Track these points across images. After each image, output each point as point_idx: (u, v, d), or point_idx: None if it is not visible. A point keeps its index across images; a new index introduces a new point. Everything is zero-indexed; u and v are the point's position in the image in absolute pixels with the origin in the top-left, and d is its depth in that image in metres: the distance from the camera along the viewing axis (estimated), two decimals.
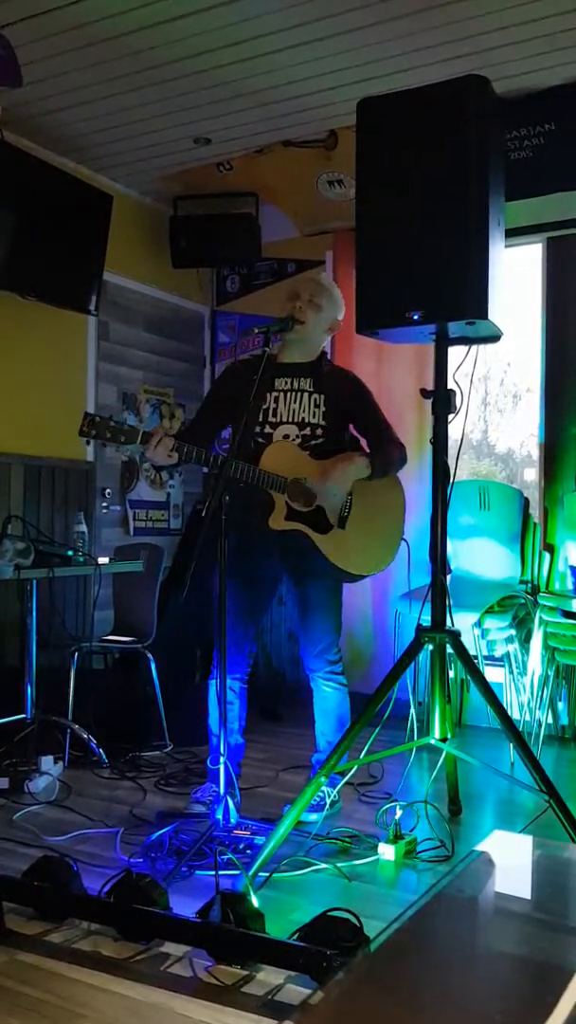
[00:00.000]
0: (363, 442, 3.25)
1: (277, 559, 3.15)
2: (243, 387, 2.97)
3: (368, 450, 3.18)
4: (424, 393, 2.74)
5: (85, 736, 3.71)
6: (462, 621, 3.87)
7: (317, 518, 3.06)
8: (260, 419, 3.12)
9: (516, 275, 4.45)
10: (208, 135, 4.43)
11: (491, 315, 2.48)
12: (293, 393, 3.15)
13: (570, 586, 4.22)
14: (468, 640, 3.67)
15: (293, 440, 3.10)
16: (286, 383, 3.16)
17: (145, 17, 3.41)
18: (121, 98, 4.04)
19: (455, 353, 2.73)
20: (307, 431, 3.11)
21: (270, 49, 3.63)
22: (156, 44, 3.59)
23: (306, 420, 3.12)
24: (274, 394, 3.14)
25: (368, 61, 3.70)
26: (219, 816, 2.72)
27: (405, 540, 3.26)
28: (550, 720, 4.21)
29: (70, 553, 3.67)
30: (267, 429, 3.11)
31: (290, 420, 3.12)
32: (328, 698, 3.24)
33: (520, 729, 3.08)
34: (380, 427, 3.22)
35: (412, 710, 4.20)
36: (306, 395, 3.14)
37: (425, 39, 3.53)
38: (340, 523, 3.09)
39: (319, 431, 3.11)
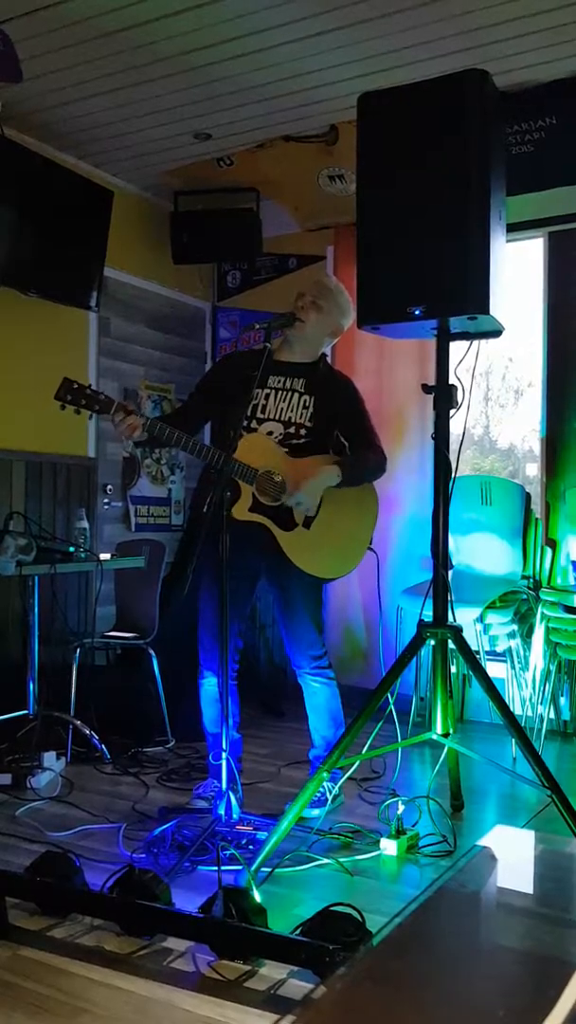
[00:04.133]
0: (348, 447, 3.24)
1: (250, 553, 3.09)
2: (236, 379, 2.99)
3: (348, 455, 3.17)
4: (426, 388, 2.74)
5: (87, 732, 3.72)
6: (464, 616, 3.87)
7: (283, 515, 3.05)
8: (249, 413, 3.11)
9: (517, 270, 4.45)
10: (209, 130, 4.43)
11: (492, 310, 2.47)
12: (284, 392, 3.14)
13: (572, 581, 4.22)
14: (470, 635, 3.68)
15: (276, 437, 3.09)
16: (279, 381, 3.15)
17: (145, 12, 3.40)
18: (121, 93, 4.03)
19: (457, 348, 2.73)
20: (291, 430, 3.11)
21: (270, 44, 3.62)
22: (156, 39, 3.58)
23: (292, 419, 3.12)
24: (265, 391, 3.14)
25: (368, 55, 3.69)
26: (221, 812, 2.72)
27: (372, 550, 3.21)
28: (552, 715, 4.22)
29: (72, 549, 3.67)
30: (253, 424, 3.11)
31: (276, 418, 3.12)
32: (317, 693, 3.23)
33: (522, 724, 3.08)
34: (363, 434, 3.20)
35: (414, 705, 4.21)
36: (296, 395, 3.14)
37: (426, 33, 3.52)
38: (305, 523, 3.08)
39: (303, 431, 3.11)
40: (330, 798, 3.07)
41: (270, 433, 3.10)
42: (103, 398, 2.85)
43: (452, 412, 2.71)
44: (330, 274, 3.47)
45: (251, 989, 2.00)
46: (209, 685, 3.18)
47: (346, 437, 3.22)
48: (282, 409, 3.13)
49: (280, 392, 3.14)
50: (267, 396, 3.14)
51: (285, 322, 3.06)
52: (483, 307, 2.45)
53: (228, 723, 2.82)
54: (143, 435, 2.88)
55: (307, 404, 3.13)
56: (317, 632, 3.21)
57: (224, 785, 2.74)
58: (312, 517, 3.09)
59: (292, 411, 3.12)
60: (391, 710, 2.95)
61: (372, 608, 4.80)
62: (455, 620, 2.76)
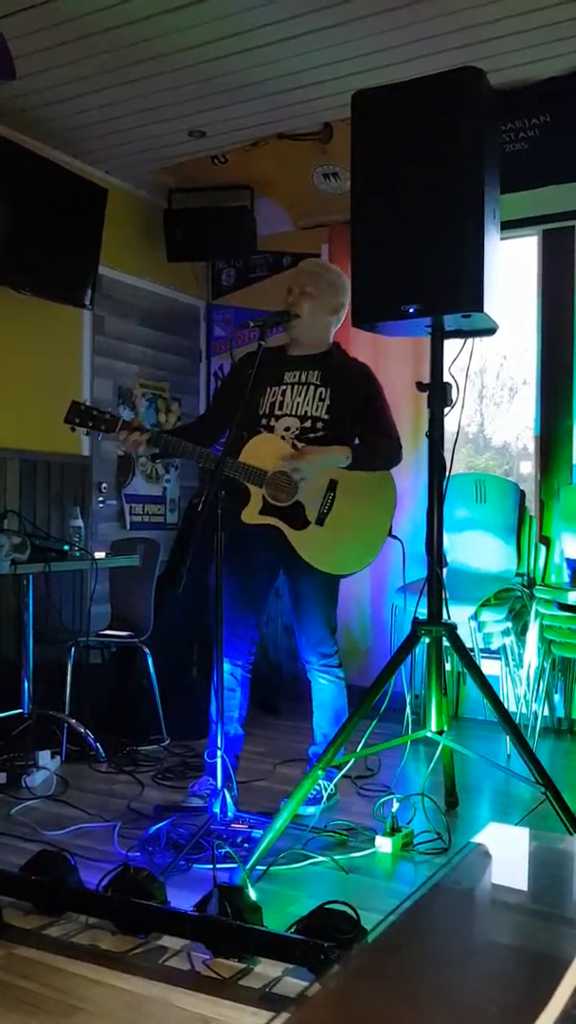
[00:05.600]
0: None
1: (268, 551, 3.12)
2: (255, 377, 2.97)
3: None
4: (420, 386, 2.74)
5: (82, 730, 3.71)
6: (458, 614, 3.87)
7: (295, 513, 3.04)
8: (266, 411, 3.11)
9: (511, 268, 4.46)
10: (203, 128, 4.42)
11: (487, 308, 2.48)
12: (300, 386, 3.13)
13: (566, 579, 4.23)
14: (464, 633, 3.69)
15: (293, 432, 3.08)
16: (294, 376, 3.15)
17: (139, 9, 3.40)
18: (115, 91, 4.03)
19: (451, 346, 2.73)
20: (307, 424, 3.09)
21: (265, 41, 3.61)
22: (150, 36, 3.58)
23: (308, 413, 3.10)
24: (282, 387, 3.13)
25: (362, 53, 3.69)
26: (216, 810, 2.73)
27: (398, 538, 3.19)
28: (546, 712, 4.22)
29: (66, 548, 3.67)
30: (271, 422, 3.10)
31: (293, 413, 3.11)
32: (324, 690, 3.24)
33: (516, 721, 3.08)
34: (376, 421, 3.17)
35: (408, 703, 4.21)
36: (312, 388, 3.12)
37: (420, 31, 3.52)
38: (319, 520, 3.06)
39: (319, 424, 3.09)
40: (325, 796, 3.07)
41: (287, 428, 3.08)
42: (108, 417, 2.96)
43: (446, 410, 2.72)
44: (314, 264, 3.44)
45: (246, 987, 2.00)
46: (225, 674, 3.15)
47: (361, 424, 3.18)
48: (298, 403, 3.11)
49: (296, 387, 3.13)
50: (283, 392, 3.13)
51: (280, 319, 3.06)
52: (477, 305, 2.46)
53: (223, 719, 2.82)
54: (152, 448, 2.96)
55: (323, 396, 3.11)
56: (328, 629, 3.21)
57: (219, 783, 2.74)
58: (325, 513, 3.06)
59: (308, 405, 3.11)
60: (386, 708, 2.95)
61: (368, 605, 4.81)
62: (450, 618, 2.76)
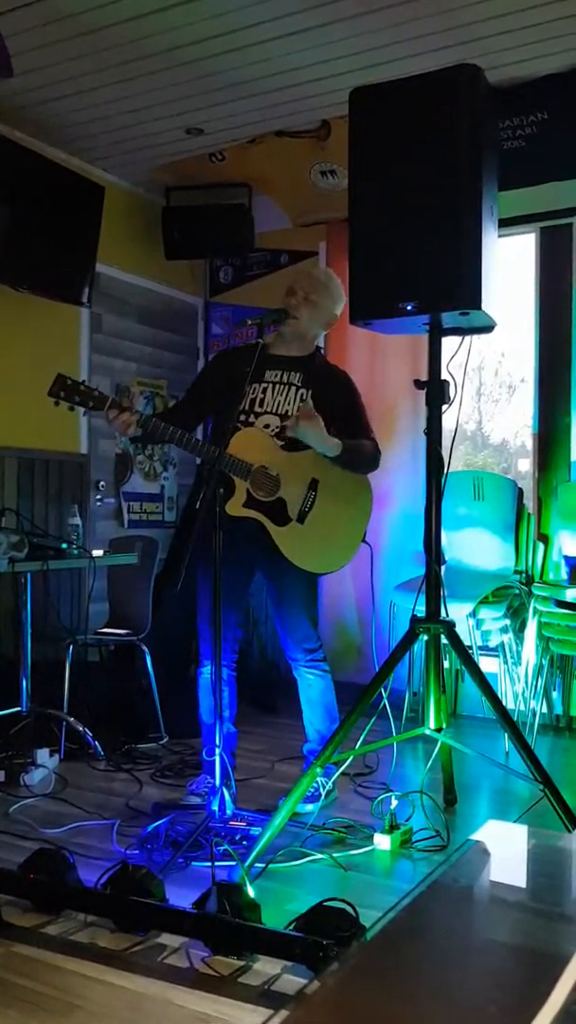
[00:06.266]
0: None
1: (245, 547, 3.10)
2: (230, 376, 2.99)
3: None
4: (418, 384, 2.74)
5: (81, 728, 3.71)
6: (457, 611, 3.87)
7: (277, 509, 3.05)
8: (246, 407, 3.11)
9: (509, 265, 4.45)
10: (200, 125, 4.41)
11: (484, 305, 2.47)
12: (281, 386, 3.14)
13: (564, 576, 4.24)
14: (463, 630, 3.68)
15: (272, 430, 3.09)
16: (276, 375, 3.15)
17: (137, 7, 3.39)
18: (113, 88, 4.02)
19: (449, 344, 2.73)
20: (288, 423, 3.09)
21: (262, 38, 3.61)
22: (148, 34, 3.57)
23: (289, 413, 3.10)
24: (263, 385, 3.14)
25: (360, 50, 3.68)
26: (215, 807, 2.73)
27: (367, 543, 3.21)
28: (544, 709, 4.23)
29: (64, 546, 3.66)
30: (251, 419, 3.11)
31: (273, 411, 3.11)
32: (312, 686, 3.23)
33: (515, 719, 3.09)
34: (358, 425, 3.19)
35: (407, 700, 4.21)
36: (293, 389, 3.14)
37: (417, 28, 3.51)
38: (299, 518, 3.07)
39: None
40: (323, 793, 3.07)
41: (266, 426, 3.09)
42: (97, 394, 2.87)
43: (444, 408, 2.71)
44: (319, 264, 3.47)
45: (245, 984, 2.00)
46: (208, 674, 3.16)
47: (341, 431, 3.20)
48: (279, 402, 3.12)
49: (277, 386, 3.14)
50: (264, 390, 3.13)
51: (277, 317, 3.06)
52: (475, 302, 2.46)
53: (222, 718, 2.82)
54: (137, 431, 2.90)
55: (304, 397, 3.12)
56: (311, 625, 3.22)
57: (218, 781, 2.74)
58: (307, 512, 3.08)
59: (289, 404, 3.12)
60: (384, 705, 2.95)
61: (365, 604, 4.81)
62: (448, 615, 2.76)
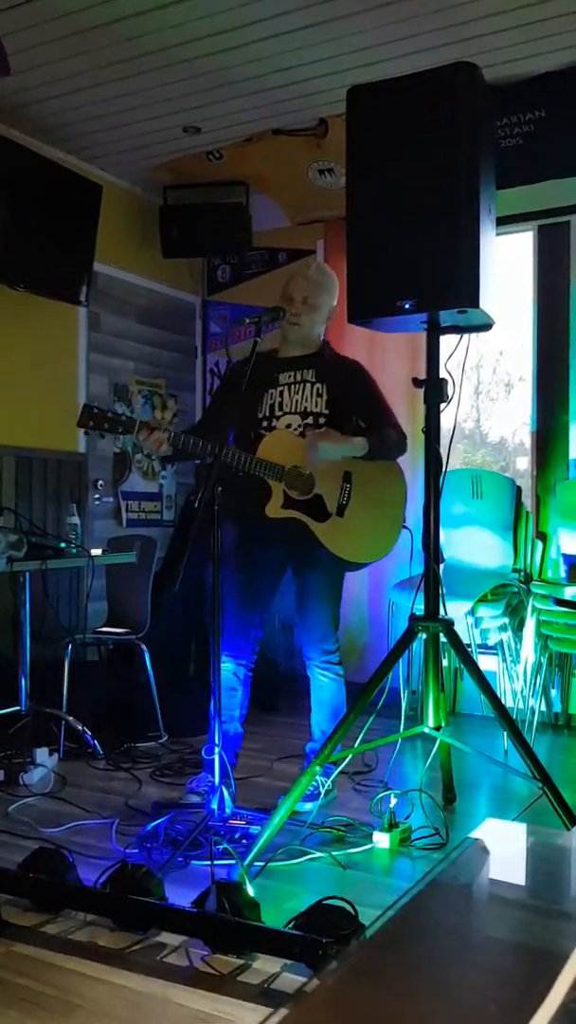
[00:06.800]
0: None
1: (279, 547, 3.17)
2: (249, 382, 3.03)
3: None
4: (416, 382, 2.74)
5: (80, 727, 3.72)
6: (455, 610, 3.87)
7: (315, 506, 3.08)
8: (266, 413, 3.16)
9: (507, 263, 4.45)
10: (198, 124, 4.41)
11: (483, 303, 2.47)
12: (296, 385, 3.18)
13: (563, 574, 4.24)
14: (461, 629, 3.68)
15: (296, 429, 3.11)
16: (289, 376, 3.19)
17: (134, 5, 3.39)
18: (110, 87, 4.02)
19: (447, 342, 2.73)
20: (309, 420, 3.13)
21: (260, 37, 3.61)
22: (145, 32, 3.57)
23: (308, 410, 3.14)
24: (279, 388, 3.18)
25: (358, 49, 3.68)
26: (214, 806, 2.73)
27: (407, 528, 3.24)
28: (543, 707, 4.23)
29: (63, 545, 3.66)
30: (272, 423, 3.15)
31: (293, 410, 3.15)
32: (323, 688, 3.24)
33: (513, 717, 3.09)
34: (379, 414, 3.22)
35: (406, 699, 4.21)
36: (308, 385, 3.17)
37: (415, 26, 3.51)
38: (339, 511, 3.11)
39: (322, 420, 3.14)
40: (323, 792, 3.07)
41: (288, 426, 3.13)
42: (124, 419, 2.93)
43: (443, 406, 2.71)
44: (312, 263, 3.47)
45: (245, 983, 2.00)
46: (224, 670, 3.16)
47: (362, 419, 3.23)
48: (297, 401, 3.16)
49: (293, 386, 3.18)
50: (280, 393, 3.18)
51: (275, 315, 3.06)
52: (473, 301, 2.45)
53: (220, 717, 2.82)
54: (168, 449, 2.93)
55: (320, 392, 3.16)
56: (332, 626, 3.24)
57: (217, 780, 2.74)
58: (344, 504, 3.12)
59: (307, 401, 3.16)
60: (383, 704, 2.95)
61: (365, 602, 4.81)
62: (446, 614, 2.77)
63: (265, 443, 3.06)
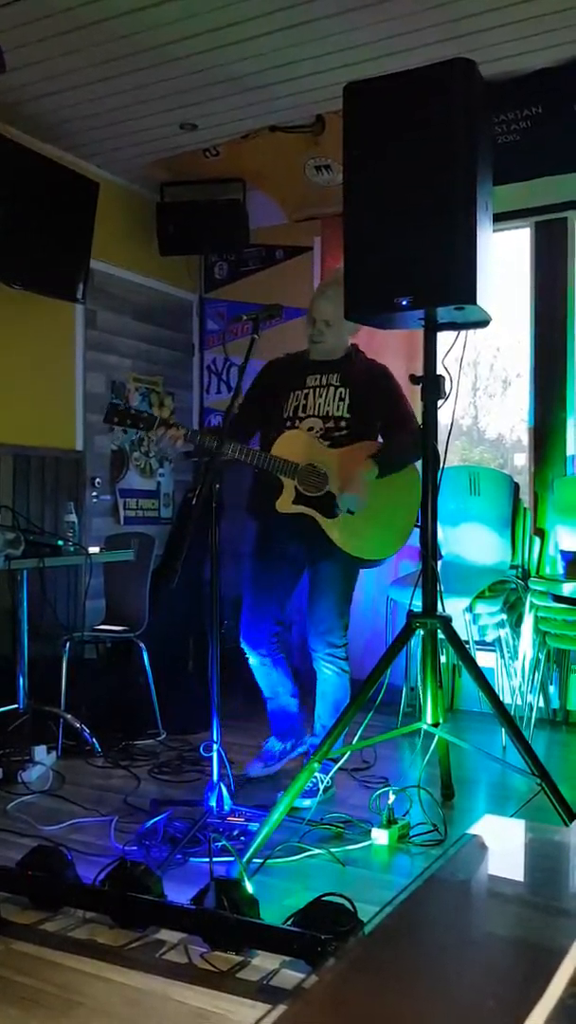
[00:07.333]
0: None
1: (295, 543, 3.25)
2: (278, 383, 3.26)
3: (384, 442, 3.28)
4: (413, 379, 2.74)
5: (78, 725, 3.72)
6: (453, 606, 3.88)
7: (327, 503, 3.14)
8: (290, 414, 3.24)
9: (504, 260, 4.45)
10: (194, 121, 4.40)
11: (480, 300, 2.47)
12: (321, 388, 3.26)
13: (560, 570, 4.24)
14: (459, 625, 3.69)
15: (317, 432, 3.19)
16: (315, 379, 3.28)
17: (129, 2, 3.38)
18: (107, 84, 4.01)
19: (444, 338, 2.73)
20: (331, 424, 3.21)
21: (255, 33, 3.60)
22: (142, 29, 3.56)
23: (330, 413, 3.21)
24: (304, 391, 3.27)
25: (354, 45, 3.68)
26: (212, 803, 2.73)
27: (419, 526, 3.25)
28: (541, 704, 4.23)
29: (60, 543, 3.66)
30: (295, 423, 3.22)
31: (315, 413, 3.23)
32: (326, 681, 3.27)
33: (511, 713, 3.10)
34: (398, 419, 3.27)
35: (404, 695, 4.22)
36: (332, 389, 3.25)
37: (411, 22, 3.51)
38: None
39: (343, 423, 3.20)
40: (321, 788, 3.08)
41: (310, 429, 3.21)
42: (146, 416, 3.05)
43: (440, 402, 2.72)
44: (330, 281, 3.45)
45: (243, 980, 2.01)
46: (251, 660, 3.36)
47: (383, 421, 3.30)
48: (319, 404, 3.24)
49: (317, 389, 3.27)
50: (306, 395, 3.26)
51: (272, 313, 3.06)
52: (470, 297, 2.45)
53: (217, 715, 2.82)
54: (188, 445, 3.04)
55: (343, 396, 3.23)
56: (339, 620, 3.27)
57: (215, 776, 2.75)
58: None
59: (329, 405, 3.23)
60: (381, 700, 2.96)
61: (364, 600, 4.81)
62: (444, 610, 2.77)
63: (281, 441, 3.15)
